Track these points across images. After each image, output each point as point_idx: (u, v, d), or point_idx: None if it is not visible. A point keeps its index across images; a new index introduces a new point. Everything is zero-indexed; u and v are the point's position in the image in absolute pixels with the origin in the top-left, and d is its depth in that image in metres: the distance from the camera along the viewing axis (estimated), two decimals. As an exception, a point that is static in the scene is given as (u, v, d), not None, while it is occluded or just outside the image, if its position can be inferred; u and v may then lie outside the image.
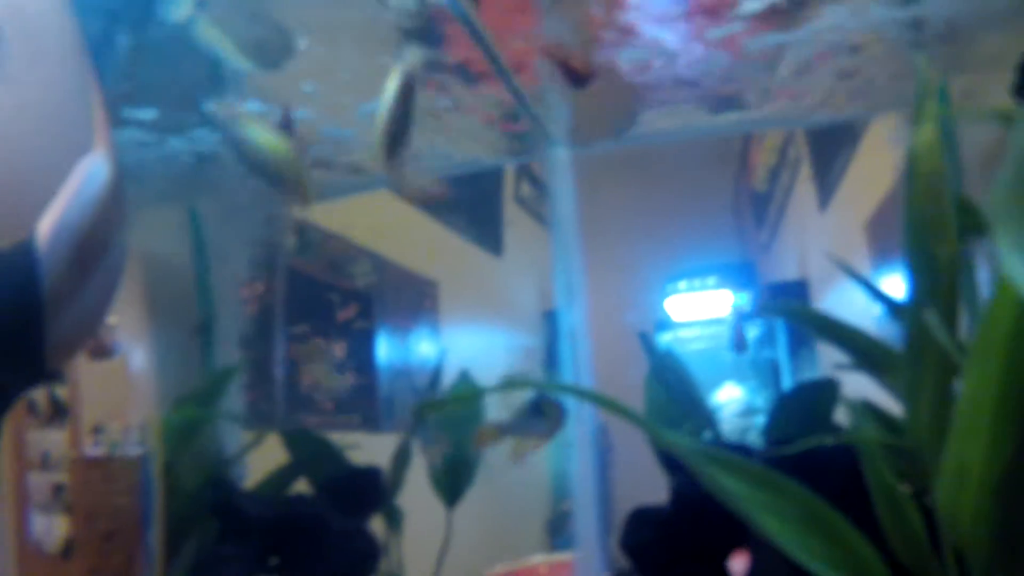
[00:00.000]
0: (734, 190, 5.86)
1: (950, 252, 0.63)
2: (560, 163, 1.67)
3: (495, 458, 1.80)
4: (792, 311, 0.85)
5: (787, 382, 3.81)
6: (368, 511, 1.46)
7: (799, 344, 3.90)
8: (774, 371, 3.94)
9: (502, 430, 1.37)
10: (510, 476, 3.57)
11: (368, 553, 1.34)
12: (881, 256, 2.51)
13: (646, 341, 1.32)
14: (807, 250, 3.92)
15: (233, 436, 1.59)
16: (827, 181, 3.28)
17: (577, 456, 1.56)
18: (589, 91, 1.56)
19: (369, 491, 1.44)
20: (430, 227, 3.32)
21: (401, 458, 1.74)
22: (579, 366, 1.58)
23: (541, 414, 1.31)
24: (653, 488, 1.32)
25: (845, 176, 3.04)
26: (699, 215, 5.45)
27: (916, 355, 0.64)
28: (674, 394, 1.27)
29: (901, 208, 0.70)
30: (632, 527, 1.04)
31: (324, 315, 2.53)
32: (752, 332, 3.89)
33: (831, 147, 3.10)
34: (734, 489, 0.64)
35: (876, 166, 2.57)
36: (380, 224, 2.93)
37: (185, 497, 1.28)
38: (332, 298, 2.58)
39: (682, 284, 4.61)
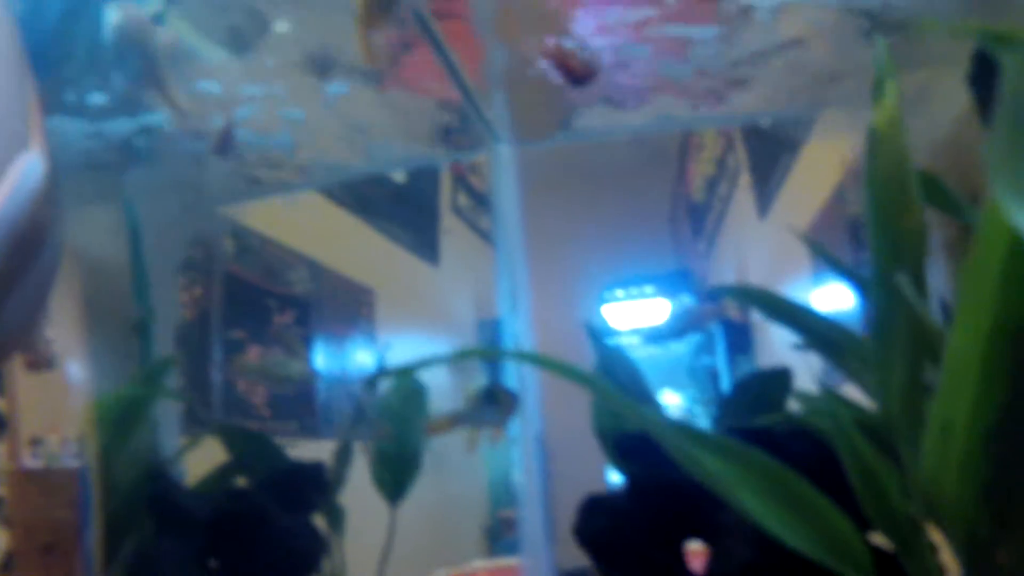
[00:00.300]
0: (671, 201, 5.90)
1: (916, 223, 0.61)
2: (504, 160, 1.64)
3: (443, 450, 1.77)
4: (745, 293, 0.82)
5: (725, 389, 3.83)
6: (311, 506, 1.41)
7: (737, 351, 3.91)
8: (712, 378, 3.96)
9: (455, 420, 1.34)
10: (449, 483, 3.54)
11: (311, 548, 1.29)
12: (823, 261, 2.51)
13: (593, 333, 1.28)
14: (746, 259, 3.94)
15: (170, 439, 1.54)
16: (766, 189, 3.30)
17: (523, 456, 1.53)
18: (530, 87, 1.55)
19: (312, 485, 1.39)
20: (367, 234, 3.28)
21: (343, 456, 1.69)
22: (524, 374, 1.55)
23: (494, 402, 1.28)
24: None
25: (785, 184, 3.06)
26: (636, 226, 5.47)
27: (886, 326, 0.62)
28: (624, 385, 1.24)
29: (863, 187, 0.68)
30: (586, 515, 1.00)
31: (261, 321, 2.48)
32: (689, 339, 3.90)
33: (771, 155, 3.12)
34: (711, 465, 0.62)
35: (816, 173, 2.59)
36: (317, 229, 2.89)
37: (122, 494, 1.23)
38: (269, 304, 2.53)
39: (619, 292, 4.61)
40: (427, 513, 3.17)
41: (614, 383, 1.25)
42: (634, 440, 0.97)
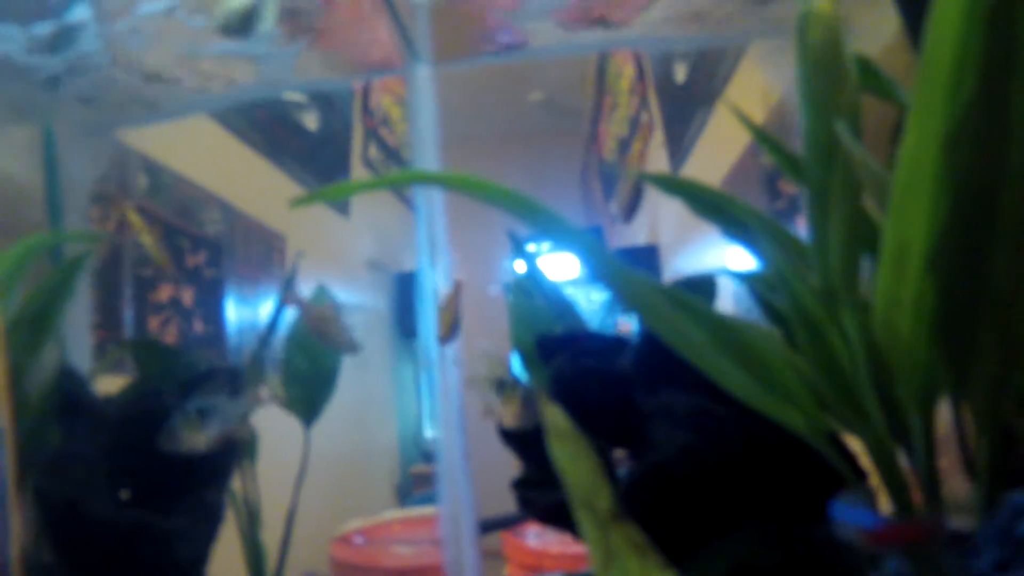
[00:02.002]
0: (582, 163, 5.93)
1: (851, 101, 0.60)
2: (422, 81, 1.62)
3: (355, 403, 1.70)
4: (668, 182, 0.78)
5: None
6: (230, 409, 1.36)
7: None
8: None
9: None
10: (359, 438, 3.53)
11: (224, 454, 1.25)
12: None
13: (519, 248, 1.27)
14: (657, 217, 3.98)
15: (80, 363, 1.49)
16: (681, 146, 3.33)
17: (440, 392, 1.51)
18: (449, 7, 1.53)
19: (228, 387, 1.34)
20: (280, 180, 3.24)
21: (254, 373, 1.60)
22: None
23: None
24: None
25: (699, 140, 3.09)
26: (546, 187, 5.50)
27: (820, 198, 0.61)
28: (546, 294, 1.23)
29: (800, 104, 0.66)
30: None
31: (173, 260, 2.43)
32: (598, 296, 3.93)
33: (686, 111, 3.15)
34: (694, 336, 0.61)
35: (732, 128, 2.62)
36: (231, 171, 2.84)
37: (33, 407, 1.18)
38: (182, 243, 2.47)
39: (530, 247, 4.62)
40: (338, 467, 3.16)
41: (538, 289, 1.24)
42: (558, 341, 0.95)
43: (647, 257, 4.02)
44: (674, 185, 0.84)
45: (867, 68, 0.77)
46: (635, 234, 4.46)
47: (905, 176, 0.50)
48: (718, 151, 2.82)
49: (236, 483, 1.43)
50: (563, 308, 1.18)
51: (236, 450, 1.29)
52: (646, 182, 0.92)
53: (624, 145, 4.43)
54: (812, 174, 0.61)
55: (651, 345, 0.72)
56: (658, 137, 3.71)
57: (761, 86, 1.96)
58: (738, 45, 2.34)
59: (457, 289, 1.32)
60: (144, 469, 1.14)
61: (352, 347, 1.51)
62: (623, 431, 0.78)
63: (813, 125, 0.61)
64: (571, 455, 0.54)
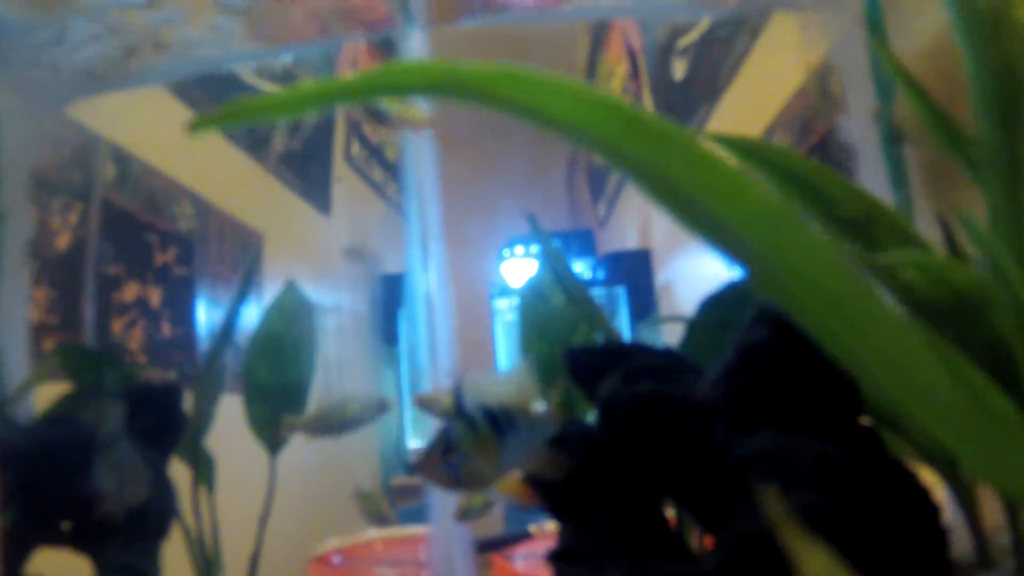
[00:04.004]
0: (568, 165, 5.81)
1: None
2: (415, 44, 1.46)
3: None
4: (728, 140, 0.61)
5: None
6: (164, 439, 1.12)
7: (640, 318, 3.82)
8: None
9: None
10: (337, 448, 3.36)
11: (163, 493, 1.05)
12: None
13: (536, 234, 1.08)
14: (650, 220, 3.84)
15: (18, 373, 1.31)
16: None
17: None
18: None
19: (161, 412, 1.11)
20: (257, 174, 3.07)
21: (206, 388, 1.29)
22: (436, 332, 1.37)
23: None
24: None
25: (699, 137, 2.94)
26: (534, 191, 5.38)
27: (1004, 149, 0.47)
28: (570, 293, 1.04)
29: None
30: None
31: (141, 256, 2.25)
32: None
33: (685, 108, 3.01)
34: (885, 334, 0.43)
35: (738, 122, 2.48)
36: (205, 163, 2.67)
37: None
38: (150, 239, 2.30)
39: (519, 250, 4.50)
40: (314, 479, 3.00)
41: (562, 287, 1.06)
42: (598, 356, 0.74)
43: (639, 262, 3.87)
44: (751, 150, 0.68)
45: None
46: (625, 237, 4.32)
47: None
48: (719, 149, 2.67)
49: (190, 520, 1.24)
50: (589, 312, 1.00)
51: (168, 488, 1.09)
52: (713, 142, 0.75)
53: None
54: (990, 141, 0.46)
55: (752, 365, 0.53)
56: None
57: (797, 48, 1.80)
58: (753, 25, 2.21)
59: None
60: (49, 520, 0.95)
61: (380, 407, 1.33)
62: (695, 483, 0.58)
63: (989, 86, 0.46)
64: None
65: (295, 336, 1.41)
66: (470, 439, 0.80)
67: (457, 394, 0.83)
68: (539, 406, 0.82)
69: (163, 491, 1.10)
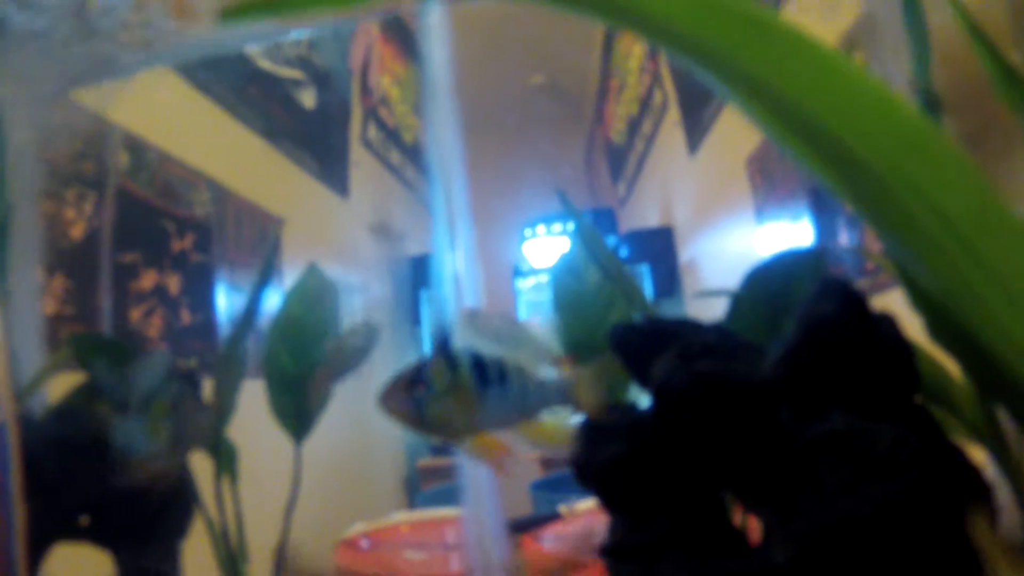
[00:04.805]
0: (587, 145, 5.77)
1: None
2: (435, 19, 1.41)
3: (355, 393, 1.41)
4: None
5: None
6: (184, 439, 1.07)
7: (664, 294, 3.78)
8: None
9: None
10: (362, 430, 3.33)
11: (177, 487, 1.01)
12: (767, 189, 2.36)
13: (568, 210, 1.03)
14: (672, 198, 3.79)
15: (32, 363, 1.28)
16: (698, 124, 3.14)
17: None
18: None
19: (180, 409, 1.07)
20: (275, 159, 3.04)
21: (228, 374, 1.25)
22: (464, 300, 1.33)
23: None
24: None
25: (720, 116, 2.90)
26: (553, 171, 5.35)
27: None
28: (605, 269, 0.98)
29: None
30: (592, 439, 0.69)
31: (157, 244, 2.23)
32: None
33: (705, 87, 2.96)
34: None
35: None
36: (222, 149, 2.64)
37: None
38: (166, 226, 2.27)
39: (540, 229, 4.46)
40: (340, 462, 2.97)
41: (596, 265, 1.02)
42: (647, 334, 0.68)
43: (662, 239, 3.83)
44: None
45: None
46: (646, 215, 4.27)
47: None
48: (745, 125, 2.62)
49: (213, 512, 1.20)
50: (627, 289, 0.95)
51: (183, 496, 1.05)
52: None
53: (634, 125, 4.25)
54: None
55: (820, 341, 0.48)
56: (673, 115, 3.52)
57: (827, 14, 1.75)
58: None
59: None
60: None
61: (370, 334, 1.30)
62: (759, 470, 0.54)
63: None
64: None
65: (318, 319, 1.37)
66: (446, 379, 0.74)
67: (443, 329, 0.79)
68: (546, 373, 0.77)
69: (183, 486, 1.08)
